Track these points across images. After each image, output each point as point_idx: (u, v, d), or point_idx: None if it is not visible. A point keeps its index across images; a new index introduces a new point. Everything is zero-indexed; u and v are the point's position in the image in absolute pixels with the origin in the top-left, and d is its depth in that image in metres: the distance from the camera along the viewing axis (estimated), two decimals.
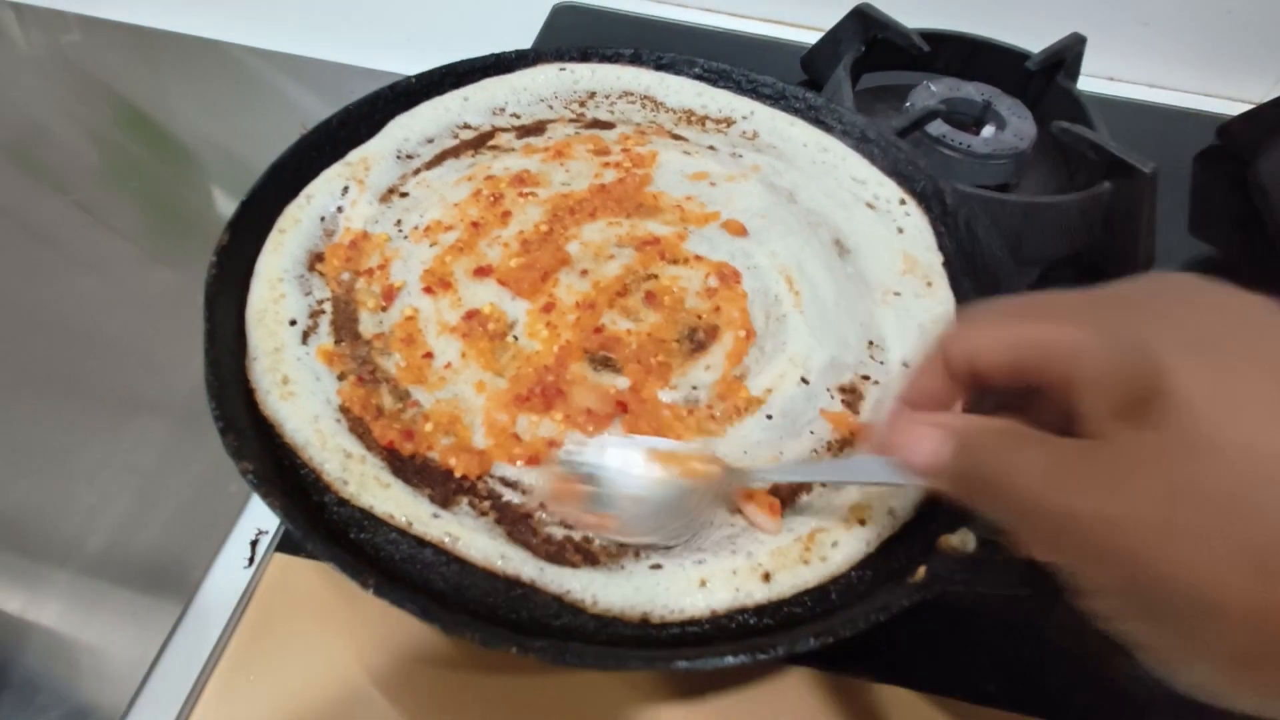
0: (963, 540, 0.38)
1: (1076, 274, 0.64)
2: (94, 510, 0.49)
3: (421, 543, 0.39)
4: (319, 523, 0.40)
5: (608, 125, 0.63)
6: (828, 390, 0.46)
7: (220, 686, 0.42)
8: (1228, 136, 0.77)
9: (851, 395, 0.47)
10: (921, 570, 0.38)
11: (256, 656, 0.43)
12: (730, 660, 0.35)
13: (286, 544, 0.47)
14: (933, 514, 0.41)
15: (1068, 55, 0.71)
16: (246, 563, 0.47)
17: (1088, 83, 0.77)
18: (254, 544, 0.48)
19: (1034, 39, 0.72)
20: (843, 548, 0.39)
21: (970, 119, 0.68)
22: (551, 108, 0.64)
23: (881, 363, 0.48)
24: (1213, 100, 0.84)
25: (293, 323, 0.47)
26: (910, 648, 0.43)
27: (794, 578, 0.38)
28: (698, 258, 0.52)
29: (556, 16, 0.85)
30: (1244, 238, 0.70)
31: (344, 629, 0.43)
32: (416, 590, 0.38)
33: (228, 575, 0.47)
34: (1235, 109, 0.77)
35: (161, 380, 0.55)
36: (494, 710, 0.41)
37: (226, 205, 0.68)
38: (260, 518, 0.49)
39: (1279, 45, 0.81)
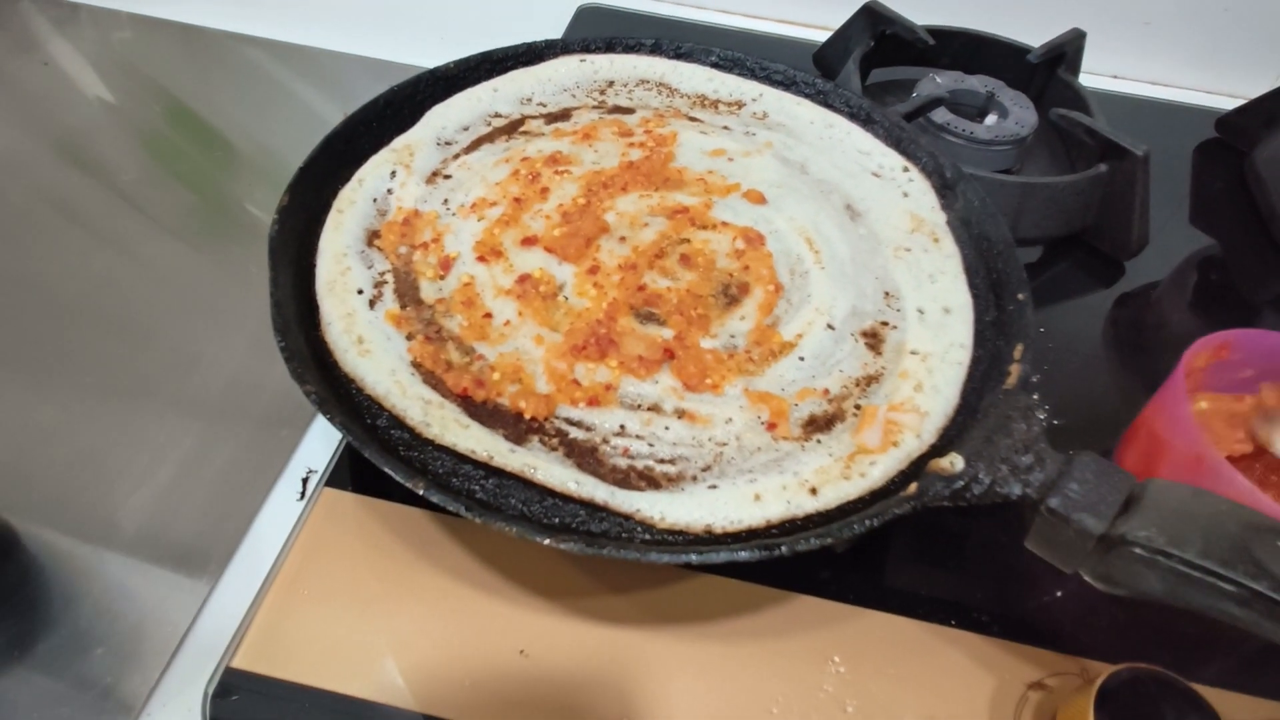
0: (951, 462, 0.42)
1: (1074, 253, 0.69)
2: (163, 447, 0.54)
3: (472, 462, 0.43)
4: (374, 439, 0.44)
5: (628, 110, 0.67)
6: (851, 335, 0.51)
7: (276, 602, 0.47)
8: (1226, 129, 0.81)
9: (873, 339, 0.51)
10: (913, 486, 0.42)
11: (309, 576, 0.48)
12: (743, 555, 0.39)
13: (335, 480, 0.53)
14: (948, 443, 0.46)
15: (1068, 50, 0.76)
16: (298, 497, 0.53)
17: (1090, 80, 0.82)
18: (305, 481, 0.54)
19: (1038, 35, 0.77)
20: (880, 465, 0.44)
21: (974, 109, 0.74)
22: (574, 96, 0.68)
23: (898, 310, 0.53)
24: (1213, 97, 0.87)
25: (359, 291, 0.51)
26: (910, 579, 0.48)
27: (838, 491, 0.43)
28: (724, 224, 0.56)
29: (581, 16, 0.90)
30: (1242, 227, 0.74)
31: (390, 554, 0.49)
32: (460, 494, 0.42)
33: (281, 507, 0.52)
34: (1235, 105, 0.80)
35: (216, 348, 0.60)
36: (522, 624, 0.46)
37: (268, 196, 0.72)
38: (310, 458, 0.55)
39: (1278, 43, 0.85)
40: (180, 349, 0.60)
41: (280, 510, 0.52)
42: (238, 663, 0.44)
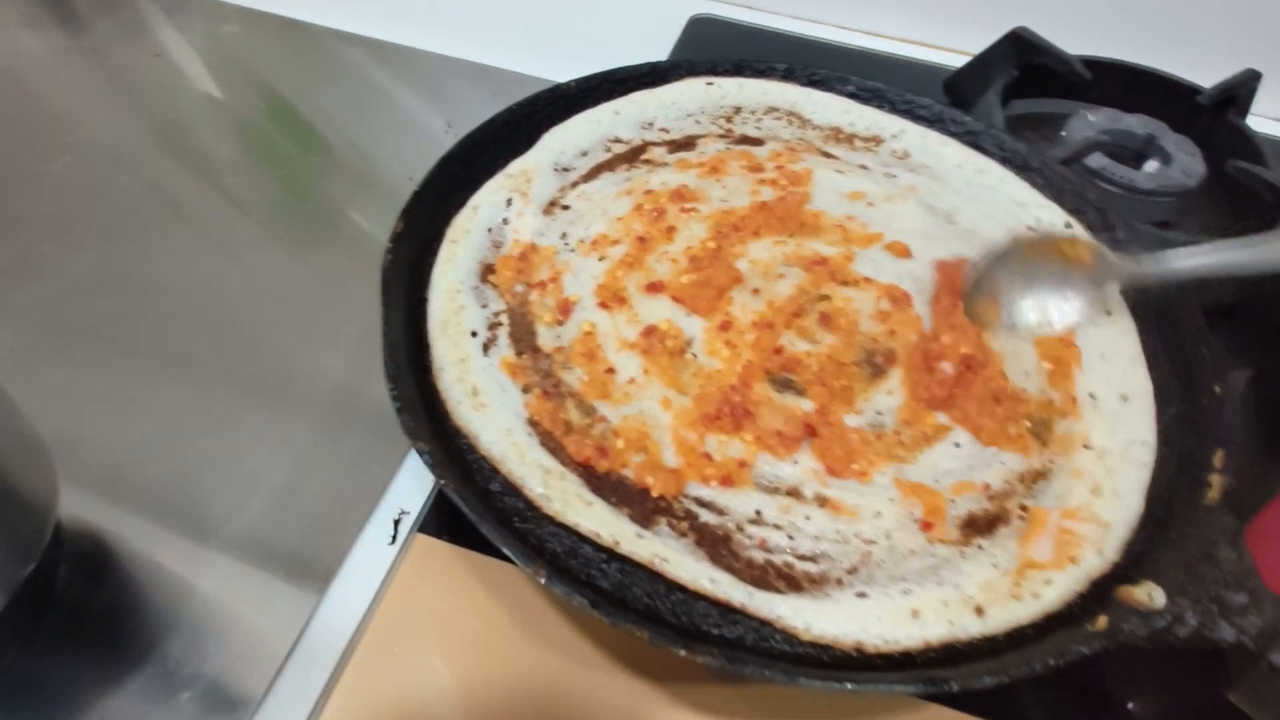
0: (1149, 595, 0.37)
1: (1240, 322, 0.62)
2: (256, 475, 0.51)
3: (593, 544, 0.40)
4: (489, 508, 0.41)
5: (757, 141, 0.62)
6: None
7: (364, 660, 0.44)
8: None
9: (1040, 426, 0.46)
10: (1102, 620, 0.36)
11: (396, 636, 0.45)
12: (900, 689, 0.34)
13: (428, 526, 0.49)
14: (1135, 562, 0.40)
15: (1241, 92, 0.69)
16: (389, 540, 0.49)
17: (1258, 123, 0.74)
18: (397, 523, 0.50)
19: (1198, 72, 0.70)
20: (1056, 585, 0.38)
21: (1130, 152, 0.67)
22: (699, 122, 0.64)
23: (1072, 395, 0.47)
24: None
25: (474, 334, 0.48)
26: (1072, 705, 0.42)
27: (1007, 613, 0.38)
28: (867, 279, 0.51)
29: (693, 28, 0.85)
30: None
31: (484, 616, 0.45)
32: (583, 584, 0.38)
33: (371, 551, 0.49)
34: None
35: (312, 364, 0.58)
36: (620, 708, 0.41)
37: (371, 197, 0.70)
38: (403, 498, 0.51)
39: None
40: (276, 365, 0.58)
41: (369, 555, 0.49)
42: None
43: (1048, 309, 0.47)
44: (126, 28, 0.85)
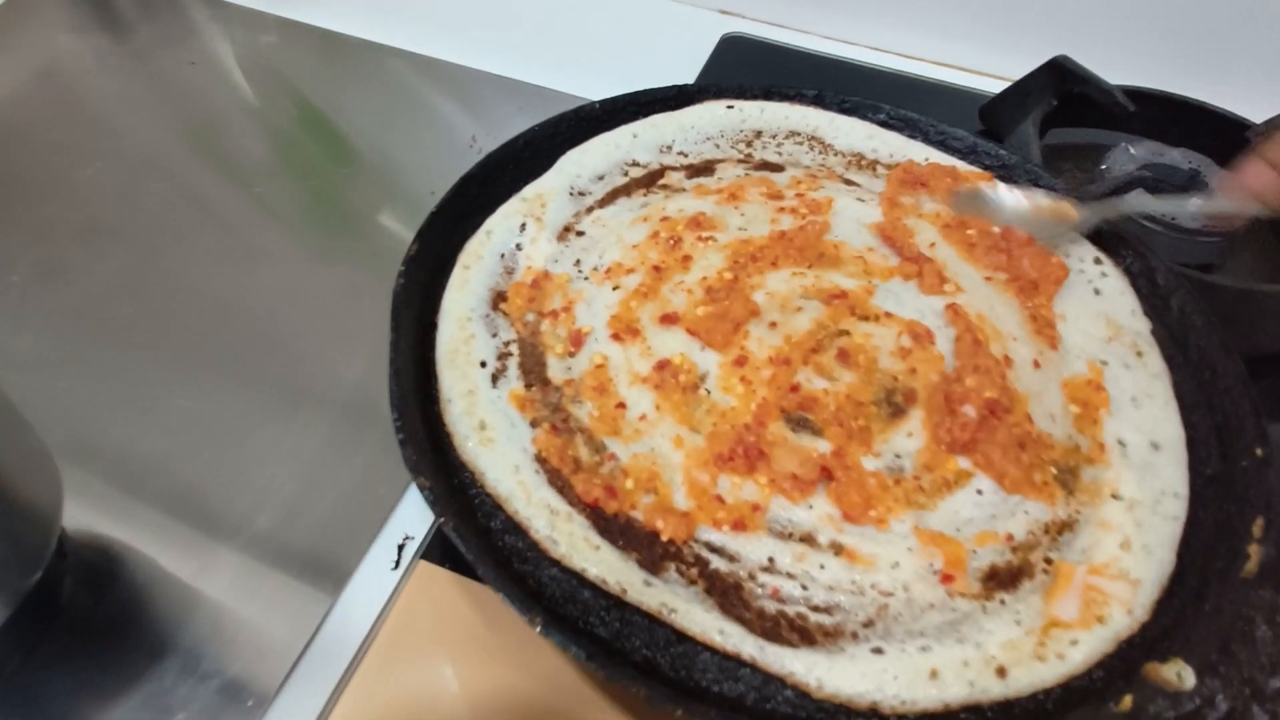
0: (1178, 675, 0.35)
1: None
2: (262, 491, 0.51)
3: (596, 590, 0.38)
4: (488, 548, 0.40)
5: (777, 168, 0.61)
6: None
7: (364, 680, 0.44)
8: None
9: (1066, 473, 0.44)
10: (1128, 699, 0.35)
11: (399, 657, 0.44)
12: None
13: (431, 553, 0.49)
14: (1165, 635, 0.38)
15: None
16: (393, 565, 0.49)
17: None
18: (400, 548, 0.49)
19: (1247, 105, 0.67)
20: (1083, 646, 0.37)
21: (1172, 188, 0.64)
22: (718, 146, 0.63)
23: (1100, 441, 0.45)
24: None
25: (483, 364, 0.47)
26: None
27: (1030, 675, 0.36)
28: (888, 314, 0.50)
29: (724, 47, 0.84)
30: None
31: (483, 647, 0.45)
32: (579, 633, 0.37)
33: (375, 575, 0.48)
34: None
35: (326, 374, 0.57)
36: None
37: (395, 211, 0.70)
38: (408, 523, 0.51)
39: None
40: (291, 378, 0.57)
41: (372, 579, 0.48)
42: None
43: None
44: (169, 33, 0.85)
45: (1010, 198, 0.55)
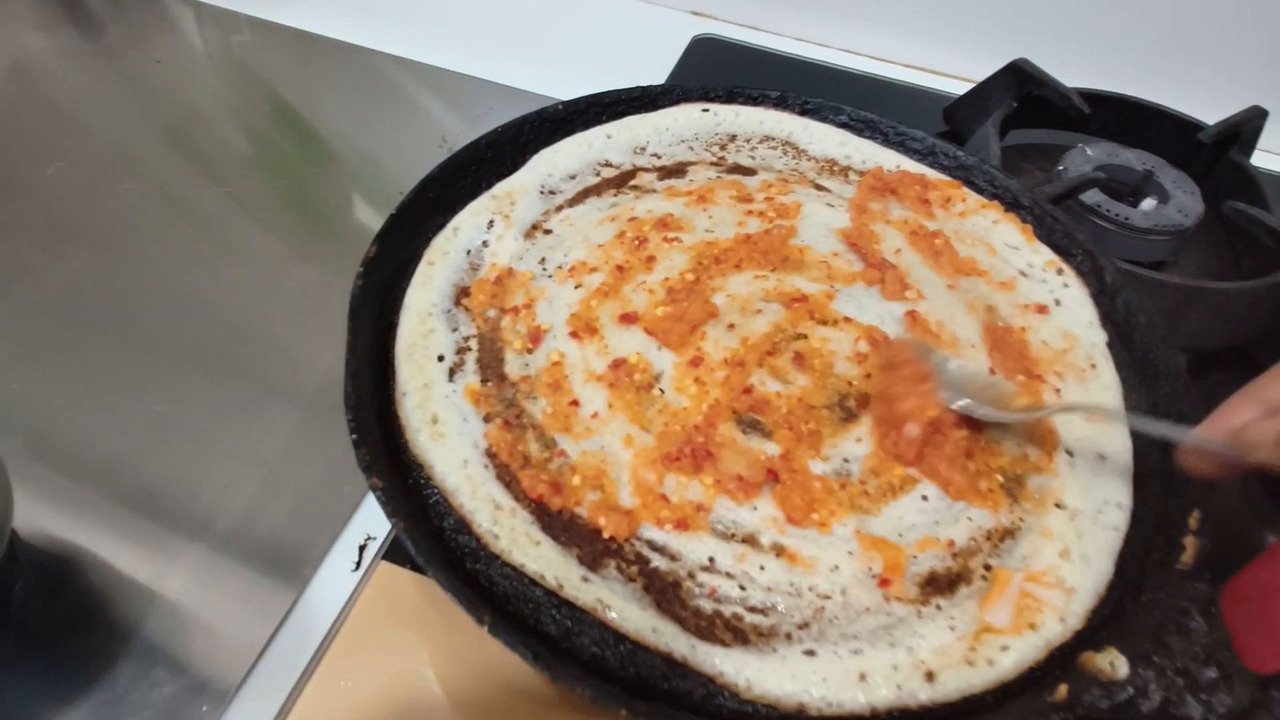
0: (1111, 663, 0.35)
1: (1230, 367, 0.60)
2: (223, 492, 0.51)
3: (540, 587, 0.39)
4: (439, 548, 0.40)
5: (749, 171, 0.62)
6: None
7: (321, 684, 0.44)
8: None
9: (1012, 481, 0.44)
10: (1063, 689, 0.35)
11: (357, 661, 0.45)
12: None
13: (393, 554, 0.50)
14: (1102, 626, 0.38)
15: (1245, 130, 0.67)
16: (354, 566, 0.49)
17: (1262, 159, 0.72)
18: (362, 549, 0.50)
19: (1201, 108, 0.68)
20: (1013, 652, 0.37)
21: (1127, 188, 0.65)
22: (692, 149, 0.63)
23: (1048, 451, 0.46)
24: None
25: (440, 358, 0.47)
26: None
27: (959, 679, 0.36)
28: (847, 319, 0.50)
29: (695, 48, 0.84)
30: None
31: (442, 645, 0.45)
32: (529, 632, 0.38)
33: (335, 575, 0.49)
34: None
35: (292, 374, 0.58)
36: None
37: (365, 210, 0.70)
38: (369, 523, 0.51)
39: None
40: (253, 379, 0.58)
41: (332, 581, 0.49)
42: None
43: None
44: (140, 31, 0.86)
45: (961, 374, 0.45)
